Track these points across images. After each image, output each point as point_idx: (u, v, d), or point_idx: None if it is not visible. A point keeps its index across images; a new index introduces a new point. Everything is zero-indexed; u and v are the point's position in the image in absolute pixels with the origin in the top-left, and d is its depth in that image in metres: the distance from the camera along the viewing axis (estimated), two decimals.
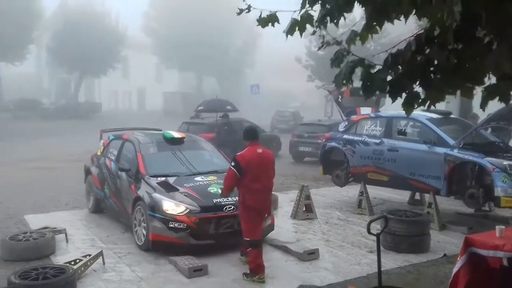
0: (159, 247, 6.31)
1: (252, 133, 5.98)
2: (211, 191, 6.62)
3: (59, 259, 5.94)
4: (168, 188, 6.64)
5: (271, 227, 6.94)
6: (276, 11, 3.87)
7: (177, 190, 6.61)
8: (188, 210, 6.27)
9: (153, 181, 6.81)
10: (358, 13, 4.78)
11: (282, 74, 53.44)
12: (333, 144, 9.76)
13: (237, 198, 5.83)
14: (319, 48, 4.02)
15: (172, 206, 6.31)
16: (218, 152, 8.43)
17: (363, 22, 3.53)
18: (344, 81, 3.55)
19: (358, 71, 3.58)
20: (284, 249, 6.47)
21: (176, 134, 8.12)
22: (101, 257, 5.80)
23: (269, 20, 3.83)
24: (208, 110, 15.92)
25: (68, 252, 6.34)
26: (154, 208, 6.36)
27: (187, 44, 43.57)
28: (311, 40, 32.98)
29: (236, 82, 49.56)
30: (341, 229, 7.74)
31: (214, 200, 6.43)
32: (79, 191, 9.96)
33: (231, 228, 6.36)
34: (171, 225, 6.18)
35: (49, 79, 53.47)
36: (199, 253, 6.10)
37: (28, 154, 17.56)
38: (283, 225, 7.95)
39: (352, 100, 10.00)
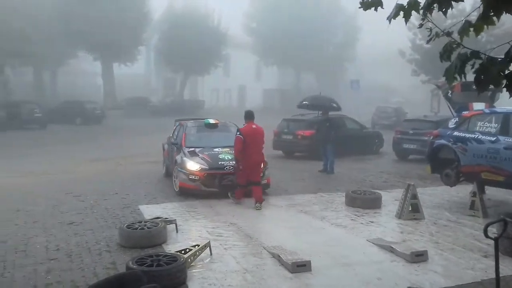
0: (184, 191, 9.61)
1: (250, 115, 9.01)
2: (220, 157, 9.76)
3: (170, 248, 6.25)
4: (192, 154, 9.95)
5: (267, 186, 9.95)
6: None
7: (198, 155, 9.87)
8: (201, 167, 9.48)
9: (186, 150, 10.21)
10: (468, 3, 4.49)
11: (383, 68, 51.75)
12: (442, 141, 9.25)
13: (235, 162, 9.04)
14: (428, 41, 3.83)
15: (191, 165, 9.60)
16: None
17: (476, 12, 3.30)
18: (456, 75, 3.34)
19: (470, 64, 3.35)
20: (390, 250, 6.25)
21: (212, 121, 11.38)
22: (208, 247, 6.03)
23: (373, 4, 3.71)
24: (313, 106, 15.86)
25: (178, 241, 6.65)
26: (181, 166, 9.77)
27: (286, 41, 43.85)
28: (416, 33, 31.64)
29: (335, 77, 48.94)
30: (451, 231, 7.31)
31: (219, 162, 9.59)
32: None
33: (230, 182, 9.30)
34: (190, 177, 9.48)
35: (157, 78, 56.79)
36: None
37: (139, 148, 18.84)
38: (388, 224, 7.71)
39: (464, 95, 9.40)
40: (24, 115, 27.78)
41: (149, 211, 8.37)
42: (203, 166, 9.50)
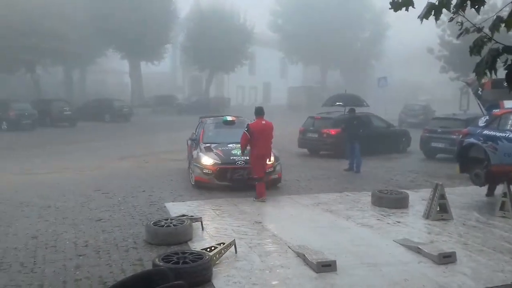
0: (199, 185, 10.28)
1: (260, 111, 9.34)
2: (233, 152, 10.26)
3: (196, 246, 6.30)
4: (207, 150, 10.53)
5: (278, 180, 10.56)
6: None
7: (212, 151, 10.44)
8: (214, 162, 10.07)
9: (202, 146, 10.79)
10: None
11: (411, 65, 50.98)
12: (472, 140, 9.06)
13: (247, 158, 9.55)
14: (458, 36, 3.76)
15: (205, 160, 10.21)
16: None
17: (507, 8, 3.22)
18: (487, 71, 3.26)
19: (502, 62, 3.26)
20: (417, 250, 6.16)
21: (230, 118, 11.97)
22: (233, 245, 6.05)
23: (404, 4, 3.66)
24: (346, 104, 15.73)
25: (204, 239, 6.70)
26: (197, 160, 10.40)
27: (312, 38, 43.65)
28: (445, 29, 31.06)
29: (361, 74, 48.49)
30: (480, 232, 7.15)
31: (231, 158, 10.11)
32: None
33: (241, 176, 9.92)
34: (204, 171, 10.12)
35: (183, 76, 57.32)
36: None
37: (166, 146, 19.05)
38: (415, 225, 7.60)
39: (494, 92, 9.17)
40: (54, 113, 28.41)
41: (175, 209, 8.46)
42: (216, 161, 10.11)
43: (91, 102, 33.21)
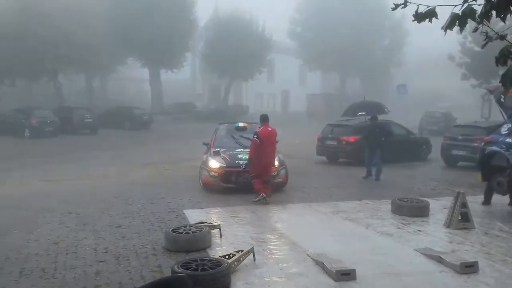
0: (207, 187, 11.02)
1: (265, 118, 9.87)
2: (239, 156, 10.84)
3: (214, 253, 6.31)
4: (216, 154, 11.17)
5: (283, 184, 11.08)
6: (436, 6, 3.65)
7: (219, 155, 11.05)
8: (220, 165, 10.75)
9: (212, 150, 11.41)
10: None
11: (431, 72, 50.42)
12: (494, 148, 8.92)
13: None
14: (483, 46, 3.71)
15: (212, 163, 10.91)
16: None
17: None
18: None
19: None
20: (438, 260, 6.06)
21: (241, 124, 12.65)
22: (252, 253, 6.03)
23: (427, 15, 3.62)
24: (368, 114, 15.57)
25: (222, 246, 6.69)
26: (205, 164, 11.17)
27: (331, 45, 43.54)
28: (466, 36, 30.68)
29: (381, 82, 48.12)
30: (503, 242, 7.00)
31: (236, 161, 10.69)
32: (229, 190, 10.60)
33: (246, 179, 10.18)
34: (211, 174, 10.81)
35: (202, 84, 57.70)
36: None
37: (185, 153, 19.16)
38: (436, 233, 7.47)
39: None
40: (76, 121, 28.85)
41: (194, 216, 8.49)
42: (222, 164, 10.78)
43: (112, 110, 33.65)
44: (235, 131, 12.43)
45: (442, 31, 3.59)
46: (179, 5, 37.84)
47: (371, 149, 13.01)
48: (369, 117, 14.11)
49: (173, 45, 37.88)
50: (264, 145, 9.49)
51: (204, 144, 12.50)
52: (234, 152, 11.14)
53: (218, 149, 11.43)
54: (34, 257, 6.26)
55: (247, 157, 10.05)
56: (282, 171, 10.95)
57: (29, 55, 28.98)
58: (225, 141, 12.09)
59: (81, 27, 30.63)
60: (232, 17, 42.74)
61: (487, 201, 9.46)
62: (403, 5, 3.58)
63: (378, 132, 13.12)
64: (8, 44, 28.80)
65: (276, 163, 10.50)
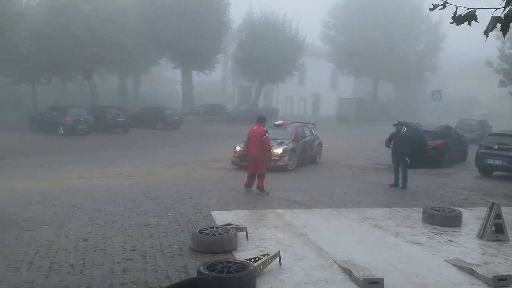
0: (232, 164, 15.39)
1: (259, 119, 11.47)
2: None
3: (240, 255, 6.27)
4: (242, 142, 14.08)
5: (284, 167, 14.81)
6: (476, 9, 3.52)
7: (244, 142, 13.41)
8: (240, 149, 14.90)
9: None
10: None
11: (467, 78, 49.27)
12: None
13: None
14: None
15: (237, 147, 15.27)
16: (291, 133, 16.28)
17: None
18: None
19: None
20: (470, 272, 5.86)
21: (277, 122, 16.81)
22: (278, 257, 5.98)
23: (467, 18, 3.50)
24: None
25: (248, 249, 6.66)
26: (235, 148, 15.43)
27: (364, 49, 43.07)
28: (504, 41, 29.85)
29: (414, 87, 47.30)
30: None
31: None
32: (260, 196, 10.56)
33: None
34: (235, 155, 15.29)
35: (233, 86, 57.96)
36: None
37: (214, 154, 19.26)
38: (468, 244, 7.25)
39: None
40: (108, 119, 29.39)
41: (221, 217, 8.49)
42: (241, 149, 14.60)
43: (144, 110, 34.18)
44: (272, 127, 15.31)
45: (479, 36, 3.46)
46: (212, 7, 38.13)
47: (397, 157, 12.68)
48: (395, 123, 13.54)
49: (205, 47, 38.17)
50: (248, 140, 11.50)
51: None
52: None
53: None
54: (63, 252, 6.37)
55: None
56: (285, 157, 14.88)
57: (63, 53, 29.80)
58: None
59: (114, 27, 31.27)
60: (265, 20, 42.79)
61: None
62: (441, 6, 3.48)
63: (406, 139, 12.62)
64: (45, 43, 29.64)
65: (280, 150, 14.78)
